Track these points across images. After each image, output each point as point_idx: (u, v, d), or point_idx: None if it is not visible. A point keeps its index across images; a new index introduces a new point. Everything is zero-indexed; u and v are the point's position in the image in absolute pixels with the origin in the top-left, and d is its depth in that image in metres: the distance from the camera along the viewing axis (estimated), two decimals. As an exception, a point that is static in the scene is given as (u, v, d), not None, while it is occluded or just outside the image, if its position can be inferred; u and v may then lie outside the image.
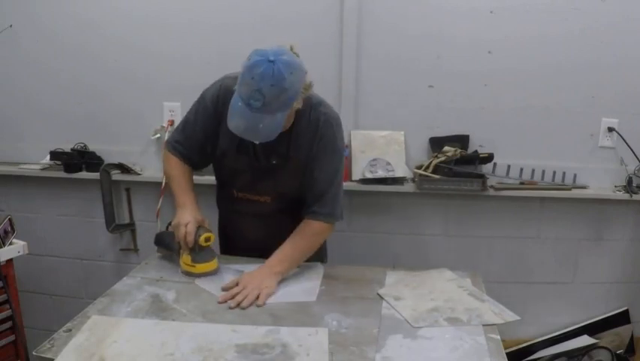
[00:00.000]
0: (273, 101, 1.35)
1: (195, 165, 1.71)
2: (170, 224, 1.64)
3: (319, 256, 1.78)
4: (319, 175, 1.59)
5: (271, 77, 1.33)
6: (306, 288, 1.55)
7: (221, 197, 1.80)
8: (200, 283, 1.54)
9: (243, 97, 1.36)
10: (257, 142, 1.48)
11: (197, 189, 1.70)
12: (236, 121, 1.39)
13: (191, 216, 1.56)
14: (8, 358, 1.82)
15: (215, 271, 1.59)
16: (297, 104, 1.45)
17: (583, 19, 2.14)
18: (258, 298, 1.43)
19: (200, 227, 1.56)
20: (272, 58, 1.34)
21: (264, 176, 1.62)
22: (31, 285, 2.49)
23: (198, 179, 1.78)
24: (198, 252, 1.56)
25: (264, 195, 1.66)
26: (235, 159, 1.62)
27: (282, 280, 1.55)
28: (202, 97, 1.63)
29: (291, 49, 1.45)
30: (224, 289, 1.48)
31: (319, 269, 1.67)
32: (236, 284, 1.49)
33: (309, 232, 1.61)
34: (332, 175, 1.61)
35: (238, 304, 1.40)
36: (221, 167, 1.69)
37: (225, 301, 1.42)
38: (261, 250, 1.65)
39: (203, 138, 1.63)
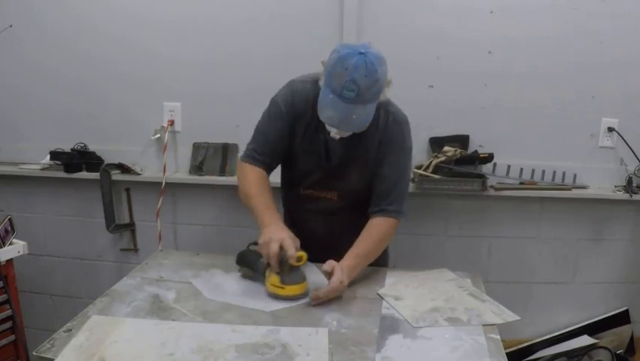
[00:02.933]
0: (366, 92, 1.39)
1: (270, 168, 1.70)
2: (251, 243, 1.60)
3: (383, 260, 1.80)
4: (387, 173, 1.62)
5: (365, 67, 1.37)
6: (315, 286, 1.49)
7: (288, 197, 1.79)
8: (196, 283, 1.53)
9: (335, 88, 1.40)
10: (350, 132, 1.51)
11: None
12: (329, 112, 1.43)
13: (285, 233, 1.46)
14: (8, 358, 1.82)
15: (305, 295, 1.45)
16: (382, 97, 1.48)
17: (583, 19, 2.14)
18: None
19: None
20: (362, 50, 1.39)
21: (332, 175, 1.65)
22: (31, 285, 2.49)
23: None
24: (289, 273, 1.44)
25: (331, 192, 1.67)
26: (305, 160, 1.65)
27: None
28: (272, 102, 1.65)
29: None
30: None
31: (313, 267, 1.61)
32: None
33: (378, 230, 1.61)
34: (400, 173, 1.64)
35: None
36: (291, 167, 1.70)
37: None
38: (327, 248, 1.57)
39: (276, 140, 1.64)
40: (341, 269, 1.46)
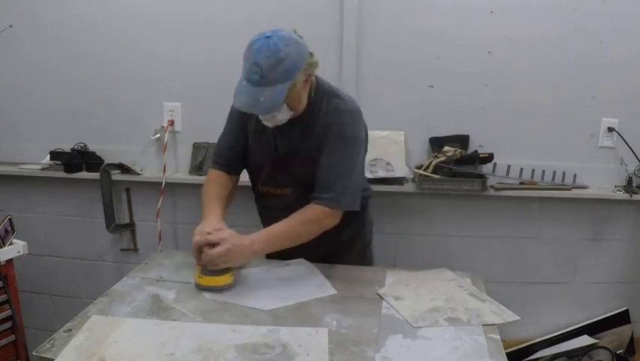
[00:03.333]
0: (270, 73, 1.41)
1: (232, 169, 1.75)
2: None
3: (364, 260, 1.82)
4: (324, 161, 1.58)
5: (267, 49, 1.40)
6: (316, 284, 1.55)
7: (255, 195, 1.81)
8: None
9: (244, 74, 1.45)
10: (260, 115, 1.54)
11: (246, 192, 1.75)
12: (239, 98, 1.46)
13: (209, 226, 1.51)
14: (8, 358, 1.82)
15: (227, 287, 1.48)
16: (301, 79, 1.48)
17: (583, 19, 2.14)
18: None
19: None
20: (269, 34, 1.42)
21: (281, 167, 1.66)
22: (31, 285, 2.49)
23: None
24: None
25: (284, 187, 1.68)
26: (258, 154, 1.68)
27: (287, 281, 1.55)
28: (231, 107, 1.70)
29: (295, 32, 1.50)
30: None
31: (308, 265, 1.67)
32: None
33: (306, 216, 1.56)
34: (339, 161, 1.57)
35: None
36: (249, 163, 1.74)
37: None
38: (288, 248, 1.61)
39: (233, 142, 1.72)
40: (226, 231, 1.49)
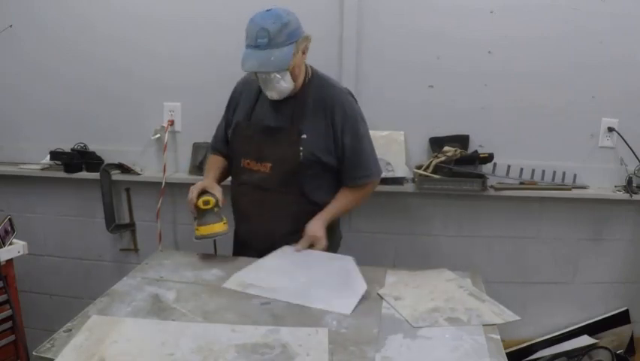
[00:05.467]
0: (277, 35, 1.54)
1: (227, 152, 1.89)
2: None
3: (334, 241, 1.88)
4: (348, 141, 1.72)
5: (271, 16, 1.56)
6: (344, 299, 1.44)
7: (232, 175, 1.88)
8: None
9: (250, 43, 1.57)
10: (265, 87, 1.65)
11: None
12: (249, 62, 1.58)
13: (198, 184, 1.70)
14: (8, 358, 1.82)
15: (220, 234, 1.67)
16: (301, 46, 1.62)
17: (583, 19, 2.14)
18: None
19: (205, 192, 1.66)
20: (268, 8, 1.58)
21: (268, 140, 1.73)
22: (31, 285, 2.49)
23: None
24: (201, 215, 1.65)
25: (265, 162, 1.73)
26: (247, 127, 1.77)
27: (323, 282, 1.53)
28: (230, 96, 1.87)
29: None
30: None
31: (362, 285, 1.52)
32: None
33: (355, 193, 1.79)
34: (360, 137, 1.74)
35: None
36: (234, 140, 1.81)
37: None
38: (257, 231, 1.78)
39: (227, 127, 1.86)
40: (313, 223, 1.71)
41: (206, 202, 1.65)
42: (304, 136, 1.69)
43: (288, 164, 1.70)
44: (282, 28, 1.55)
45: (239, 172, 1.81)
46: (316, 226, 1.70)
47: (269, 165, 1.72)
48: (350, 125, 1.72)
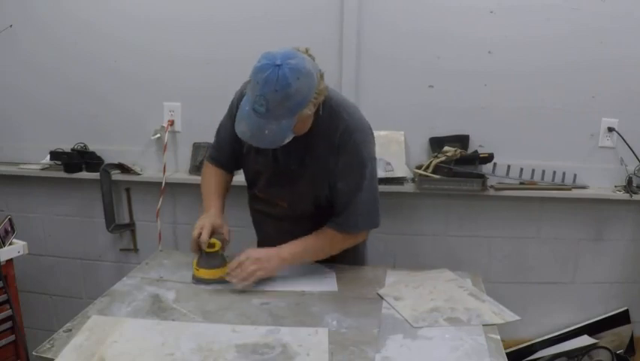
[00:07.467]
0: (276, 108, 1.31)
1: (229, 168, 1.76)
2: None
3: (357, 258, 1.80)
4: (342, 187, 1.55)
5: (275, 82, 1.28)
6: (323, 280, 1.59)
7: (250, 197, 1.78)
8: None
9: (250, 101, 1.34)
10: (262, 147, 1.45)
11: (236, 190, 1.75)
12: (242, 126, 1.37)
13: (206, 221, 1.55)
14: (8, 358, 1.82)
15: (222, 281, 1.52)
16: (309, 111, 1.39)
17: (583, 19, 2.14)
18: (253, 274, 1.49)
19: (214, 233, 1.55)
20: (279, 62, 1.30)
21: (280, 180, 1.59)
22: (31, 285, 2.49)
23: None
24: (206, 257, 1.54)
25: (281, 201, 1.64)
26: (255, 160, 1.61)
27: (299, 271, 1.57)
28: (230, 102, 1.67)
29: (306, 51, 1.42)
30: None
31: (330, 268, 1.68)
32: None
33: (325, 237, 1.59)
34: (355, 187, 1.54)
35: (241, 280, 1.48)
36: (245, 166, 1.70)
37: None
38: None
39: (229, 139, 1.63)
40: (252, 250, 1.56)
41: (211, 245, 1.54)
42: (317, 179, 1.55)
43: (304, 204, 1.60)
44: (284, 100, 1.30)
45: (255, 199, 1.72)
46: (273, 265, 1.53)
47: (285, 203, 1.63)
48: (349, 171, 1.53)
